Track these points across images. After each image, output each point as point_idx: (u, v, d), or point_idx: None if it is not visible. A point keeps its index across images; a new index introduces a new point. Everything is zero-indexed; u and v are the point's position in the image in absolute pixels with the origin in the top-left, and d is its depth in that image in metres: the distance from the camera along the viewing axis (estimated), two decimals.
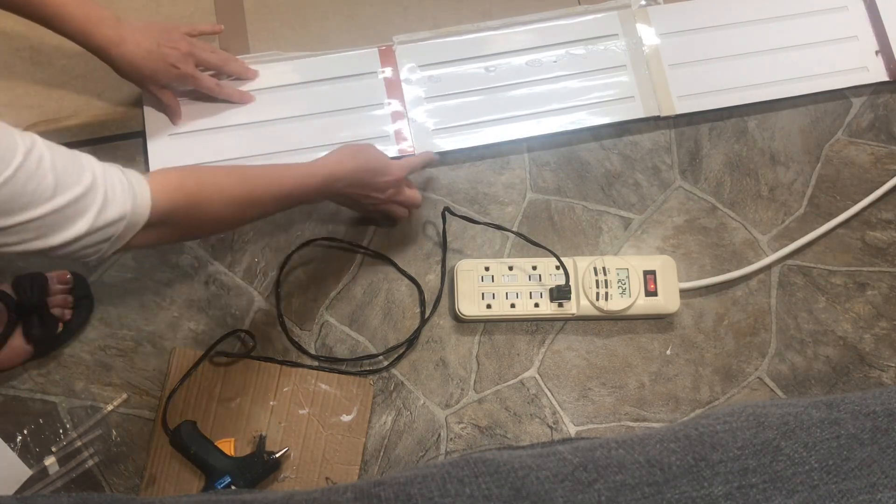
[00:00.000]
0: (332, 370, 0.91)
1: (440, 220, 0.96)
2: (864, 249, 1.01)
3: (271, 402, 0.90)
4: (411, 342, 0.93)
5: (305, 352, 0.92)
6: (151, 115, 0.95)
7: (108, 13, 0.82)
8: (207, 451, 0.84)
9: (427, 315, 0.94)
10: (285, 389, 0.90)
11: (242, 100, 0.97)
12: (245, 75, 0.98)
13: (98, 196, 0.59)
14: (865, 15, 1.07)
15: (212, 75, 0.95)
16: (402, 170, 0.87)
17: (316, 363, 0.92)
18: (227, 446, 0.86)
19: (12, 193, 0.54)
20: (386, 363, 0.93)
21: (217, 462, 0.83)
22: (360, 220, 0.97)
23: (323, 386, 0.91)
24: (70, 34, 0.81)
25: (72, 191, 0.58)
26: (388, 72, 1.00)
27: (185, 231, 0.72)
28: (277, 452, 0.86)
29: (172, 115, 0.95)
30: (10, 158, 0.54)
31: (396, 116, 0.99)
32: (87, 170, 0.59)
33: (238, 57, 0.98)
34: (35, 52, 0.78)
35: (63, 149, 0.59)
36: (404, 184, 0.90)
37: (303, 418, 0.90)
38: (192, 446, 0.84)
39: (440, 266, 0.96)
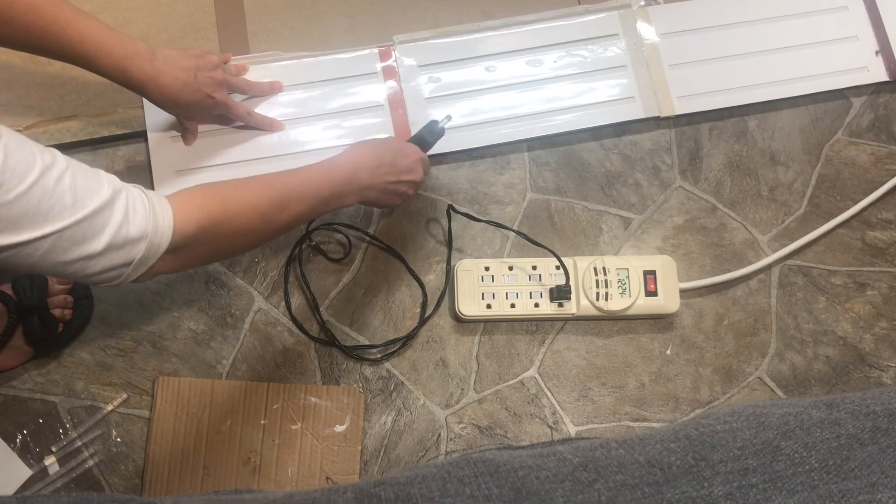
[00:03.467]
0: (330, 344, 0.91)
1: (442, 220, 0.96)
2: (864, 249, 1.01)
3: (262, 421, 0.89)
4: (412, 336, 0.93)
5: (307, 332, 0.92)
6: (152, 115, 0.95)
7: (143, 45, 0.79)
8: None
9: (429, 313, 0.94)
10: (275, 406, 0.89)
11: (273, 128, 0.96)
12: (271, 92, 0.97)
13: (117, 212, 0.58)
14: (865, 15, 1.07)
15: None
16: (415, 149, 0.88)
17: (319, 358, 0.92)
18: None
19: (25, 210, 0.52)
20: (396, 347, 0.93)
21: None
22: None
23: (312, 399, 0.90)
24: (106, 72, 0.78)
25: (89, 206, 0.56)
26: (388, 72, 1.00)
27: (213, 252, 0.69)
28: None
29: (189, 137, 0.94)
30: (25, 174, 0.52)
31: (396, 117, 0.99)
32: (107, 186, 0.58)
33: (238, 57, 0.98)
34: None
35: (84, 166, 0.58)
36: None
37: (296, 433, 0.89)
38: None
39: (441, 265, 0.96)
